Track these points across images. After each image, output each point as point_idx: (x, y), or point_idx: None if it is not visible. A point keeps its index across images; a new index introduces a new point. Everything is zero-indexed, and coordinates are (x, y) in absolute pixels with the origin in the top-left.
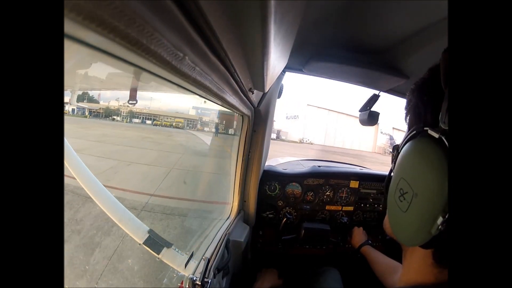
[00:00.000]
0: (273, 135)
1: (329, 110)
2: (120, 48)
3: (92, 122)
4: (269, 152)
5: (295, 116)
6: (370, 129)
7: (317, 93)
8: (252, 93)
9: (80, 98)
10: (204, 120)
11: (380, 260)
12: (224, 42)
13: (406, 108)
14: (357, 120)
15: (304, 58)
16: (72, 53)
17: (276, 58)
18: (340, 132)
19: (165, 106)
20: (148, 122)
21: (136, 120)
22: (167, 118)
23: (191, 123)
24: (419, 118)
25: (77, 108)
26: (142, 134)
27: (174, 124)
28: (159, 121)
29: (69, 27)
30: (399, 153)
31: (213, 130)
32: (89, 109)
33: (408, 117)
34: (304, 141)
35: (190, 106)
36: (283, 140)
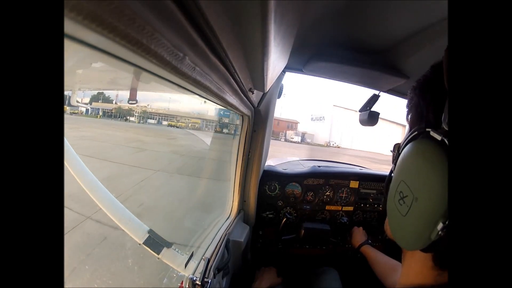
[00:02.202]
0: (298, 138)
1: (357, 111)
2: (120, 48)
3: (93, 122)
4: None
5: (320, 117)
6: (398, 131)
7: (344, 93)
8: (252, 93)
9: (95, 98)
10: (223, 121)
11: (380, 260)
12: (224, 42)
13: (407, 106)
14: (386, 123)
15: (304, 58)
16: (72, 53)
17: (276, 58)
18: (367, 134)
19: (184, 107)
20: (165, 123)
21: (152, 121)
22: (183, 119)
23: (209, 124)
24: (421, 117)
25: (91, 108)
26: (137, 136)
27: (190, 125)
28: (173, 122)
29: (69, 27)
30: (399, 154)
31: (227, 131)
32: (103, 109)
33: (409, 116)
34: (331, 144)
35: (212, 108)
36: (308, 143)
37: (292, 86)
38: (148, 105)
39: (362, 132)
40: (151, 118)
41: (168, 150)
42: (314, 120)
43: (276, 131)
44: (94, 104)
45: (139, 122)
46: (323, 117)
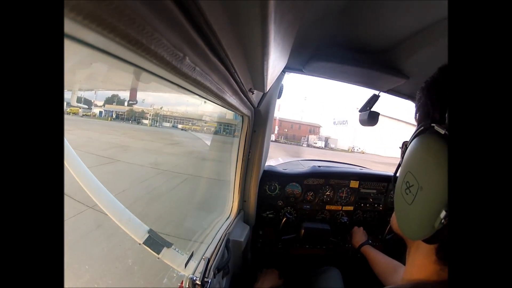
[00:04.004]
0: (321, 143)
1: (381, 115)
2: (120, 48)
3: (96, 125)
4: None
5: (343, 121)
6: None
7: (366, 96)
8: (252, 93)
9: (109, 101)
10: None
11: (380, 260)
12: (224, 42)
13: (416, 106)
14: (411, 128)
15: (304, 58)
16: (72, 53)
17: (276, 58)
18: (393, 139)
19: (201, 110)
20: (180, 126)
21: (167, 124)
22: (199, 123)
23: (228, 128)
24: (427, 115)
25: (104, 111)
26: (127, 141)
27: (205, 129)
28: (188, 125)
29: (69, 27)
30: (407, 148)
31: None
32: (116, 111)
33: (417, 115)
34: (355, 150)
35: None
36: (332, 149)
37: (313, 89)
38: (161, 107)
39: (387, 136)
40: (166, 121)
41: (148, 162)
42: (336, 124)
43: (298, 135)
44: (107, 106)
45: (150, 125)
46: (346, 120)
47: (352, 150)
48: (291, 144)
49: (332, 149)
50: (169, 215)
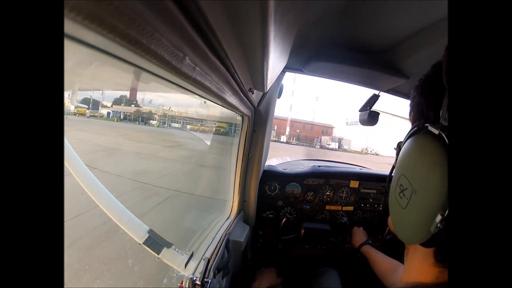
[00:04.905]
0: (335, 144)
1: (393, 115)
2: (120, 48)
3: (97, 125)
4: None
5: (356, 121)
6: None
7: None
8: (252, 93)
9: (117, 102)
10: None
11: (380, 260)
12: (224, 42)
13: (410, 105)
14: None
15: (304, 58)
16: (72, 53)
17: (276, 58)
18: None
19: (212, 110)
20: (189, 127)
21: (176, 125)
22: (208, 123)
23: (238, 128)
24: (421, 114)
25: (112, 111)
26: (121, 142)
27: (214, 129)
28: (195, 126)
29: (69, 27)
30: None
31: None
32: (124, 112)
33: (411, 114)
34: (368, 151)
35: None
36: (345, 151)
37: (325, 89)
38: (170, 108)
39: (402, 137)
40: (175, 122)
41: (130, 171)
42: (349, 124)
43: (310, 136)
44: (115, 107)
45: (158, 126)
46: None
47: (366, 151)
48: (303, 145)
49: (345, 150)
50: (123, 263)
